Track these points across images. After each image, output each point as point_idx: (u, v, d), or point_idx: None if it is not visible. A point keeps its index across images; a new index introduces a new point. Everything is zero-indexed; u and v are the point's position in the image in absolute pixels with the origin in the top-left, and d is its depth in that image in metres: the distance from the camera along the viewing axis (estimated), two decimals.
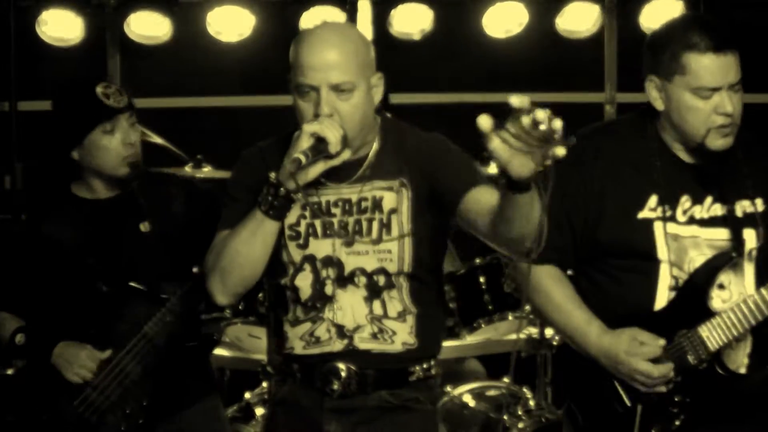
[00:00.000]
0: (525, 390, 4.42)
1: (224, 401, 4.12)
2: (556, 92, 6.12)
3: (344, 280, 2.77)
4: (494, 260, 4.37)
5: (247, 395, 4.49)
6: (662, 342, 2.80)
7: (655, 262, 2.83)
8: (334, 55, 2.67)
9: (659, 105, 2.86)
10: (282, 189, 2.67)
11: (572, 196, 2.87)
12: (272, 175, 2.69)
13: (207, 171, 4.77)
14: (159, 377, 3.36)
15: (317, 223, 2.79)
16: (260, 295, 4.51)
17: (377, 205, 2.78)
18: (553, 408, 4.29)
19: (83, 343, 3.34)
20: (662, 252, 2.83)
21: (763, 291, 2.80)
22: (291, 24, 5.61)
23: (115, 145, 3.33)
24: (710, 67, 2.78)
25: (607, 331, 2.83)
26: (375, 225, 2.76)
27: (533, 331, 4.48)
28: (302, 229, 2.79)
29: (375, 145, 2.82)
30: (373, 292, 2.77)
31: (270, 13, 5.77)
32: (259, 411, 4.37)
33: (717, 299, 2.83)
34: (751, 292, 2.84)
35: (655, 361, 2.79)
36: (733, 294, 2.84)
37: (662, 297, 2.84)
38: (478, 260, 4.62)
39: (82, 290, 3.37)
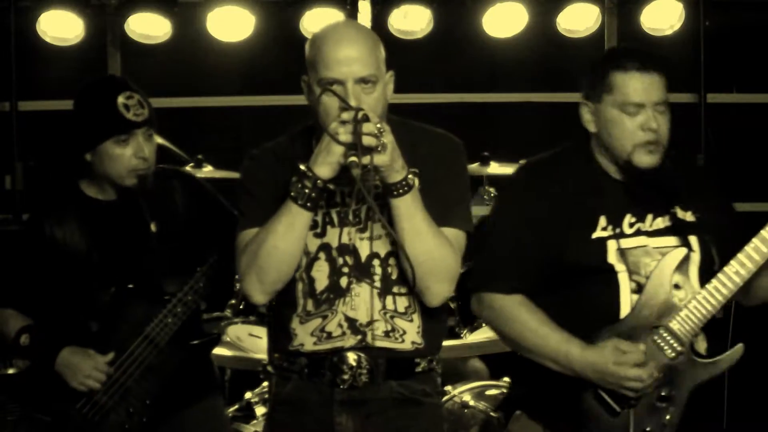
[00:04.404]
0: None
1: (225, 400, 4.13)
2: (556, 92, 6.13)
3: (361, 268, 2.79)
4: None
5: (248, 395, 4.49)
6: (643, 346, 2.91)
7: (614, 274, 2.96)
8: (358, 50, 2.74)
9: (592, 127, 3.03)
10: (319, 181, 2.67)
11: (534, 224, 2.98)
12: (303, 167, 2.69)
13: (207, 171, 4.78)
14: (161, 376, 3.36)
15: (333, 212, 2.82)
16: None
17: None
18: None
19: (86, 347, 3.32)
20: (619, 264, 2.96)
21: (713, 281, 2.94)
22: (291, 24, 5.62)
23: (127, 156, 3.29)
24: (634, 84, 2.95)
25: (587, 347, 2.92)
26: (386, 210, 2.76)
27: None
28: (319, 218, 2.80)
29: None
30: (386, 286, 2.80)
31: (270, 13, 5.77)
32: (260, 410, 4.37)
33: (675, 298, 2.96)
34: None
35: (640, 365, 2.91)
36: (687, 293, 2.97)
37: (626, 302, 2.96)
38: None
39: (87, 291, 3.36)
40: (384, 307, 2.81)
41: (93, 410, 3.33)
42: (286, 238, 2.72)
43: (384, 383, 2.82)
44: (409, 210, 2.71)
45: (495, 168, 4.93)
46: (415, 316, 2.84)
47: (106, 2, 5.79)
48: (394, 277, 2.81)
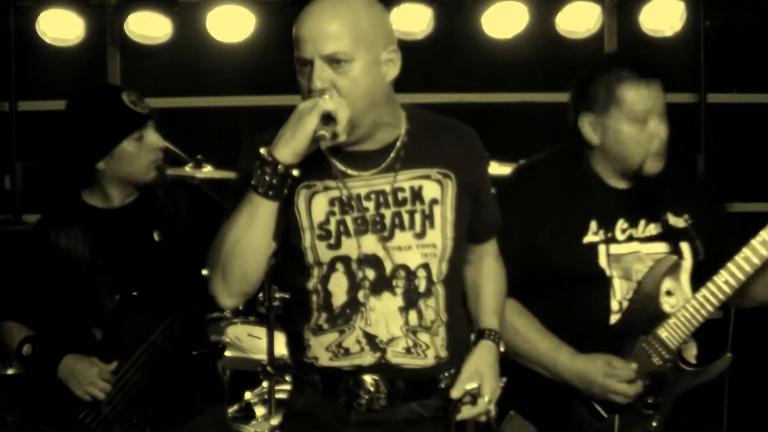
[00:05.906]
0: None
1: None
2: (556, 92, 6.12)
3: (383, 281, 2.56)
4: None
5: (247, 395, 4.50)
6: (635, 365, 2.95)
7: (604, 279, 3.00)
8: (327, 25, 2.48)
9: (596, 140, 3.05)
10: (280, 166, 2.42)
11: (521, 229, 3.01)
12: (263, 150, 2.44)
13: (207, 171, 4.77)
14: (165, 386, 3.33)
15: (348, 219, 2.55)
16: (260, 295, 4.52)
17: (417, 195, 2.58)
18: None
19: (89, 355, 3.30)
20: (610, 270, 3.01)
21: (703, 290, 2.98)
22: (291, 24, 5.59)
23: (145, 150, 3.33)
24: (642, 95, 2.99)
25: (577, 355, 2.97)
26: (417, 217, 2.56)
27: None
28: (332, 227, 2.55)
29: (402, 132, 2.63)
30: (410, 300, 2.57)
31: (270, 13, 5.77)
32: (260, 411, 4.38)
33: (666, 305, 3.00)
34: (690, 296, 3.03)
35: (629, 381, 2.96)
36: (679, 300, 3.02)
37: (616, 308, 3.01)
38: None
39: (91, 299, 3.34)
40: (406, 322, 2.57)
41: (96, 421, 3.30)
42: (248, 231, 2.45)
43: (402, 405, 2.62)
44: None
45: (495, 168, 4.93)
46: (441, 330, 2.62)
47: (106, 2, 5.79)
48: (421, 289, 2.58)
